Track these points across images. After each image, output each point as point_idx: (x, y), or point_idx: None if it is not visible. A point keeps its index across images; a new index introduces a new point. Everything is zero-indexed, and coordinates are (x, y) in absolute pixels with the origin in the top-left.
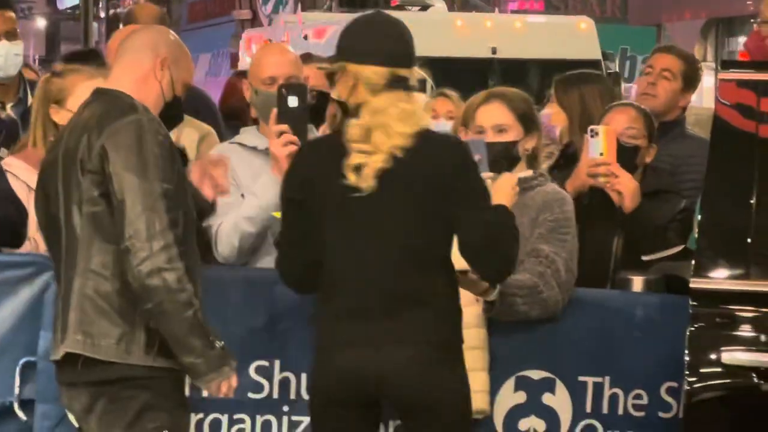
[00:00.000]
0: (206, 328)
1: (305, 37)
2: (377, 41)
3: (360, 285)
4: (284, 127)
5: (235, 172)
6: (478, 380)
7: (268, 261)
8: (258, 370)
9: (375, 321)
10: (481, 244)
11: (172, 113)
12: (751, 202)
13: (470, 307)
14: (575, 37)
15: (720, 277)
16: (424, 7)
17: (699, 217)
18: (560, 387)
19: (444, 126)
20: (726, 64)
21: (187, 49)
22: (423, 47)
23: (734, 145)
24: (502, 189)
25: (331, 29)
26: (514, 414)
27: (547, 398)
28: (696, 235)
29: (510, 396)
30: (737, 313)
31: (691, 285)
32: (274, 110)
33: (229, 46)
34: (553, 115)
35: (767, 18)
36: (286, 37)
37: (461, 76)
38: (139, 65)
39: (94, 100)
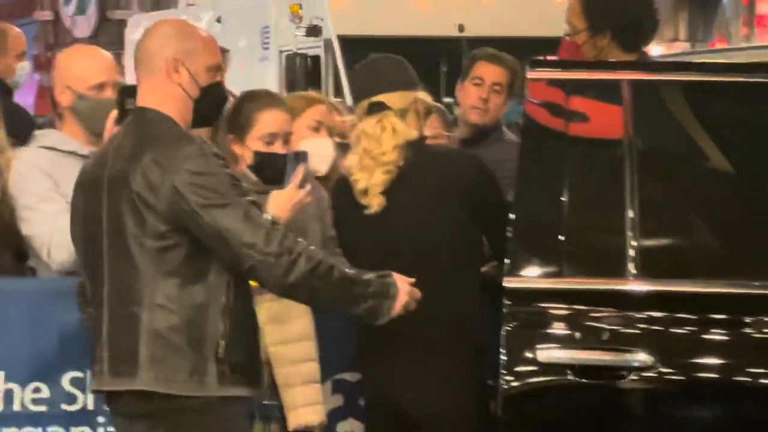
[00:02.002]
0: (353, 273)
1: (218, 20)
2: (363, 84)
3: None
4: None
5: (54, 178)
6: (313, 393)
7: None
8: (72, 381)
9: (395, 342)
10: None
11: (212, 101)
12: (562, 200)
13: (300, 320)
14: (551, 12)
15: (533, 276)
16: None
17: (512, 216)
18: None
19: None
20: (534, 63)
21: (194, 29)
22: (378, 26)
23: (544, 143)
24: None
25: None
26: (333, 417)
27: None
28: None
29: (328, 399)
30: (551, 311)
31: (505, 284)
32: (114, 113)
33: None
34: None
35: (578, 28)
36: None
37: (424, 58)
38: (154, 77)
39: (135, 122)
